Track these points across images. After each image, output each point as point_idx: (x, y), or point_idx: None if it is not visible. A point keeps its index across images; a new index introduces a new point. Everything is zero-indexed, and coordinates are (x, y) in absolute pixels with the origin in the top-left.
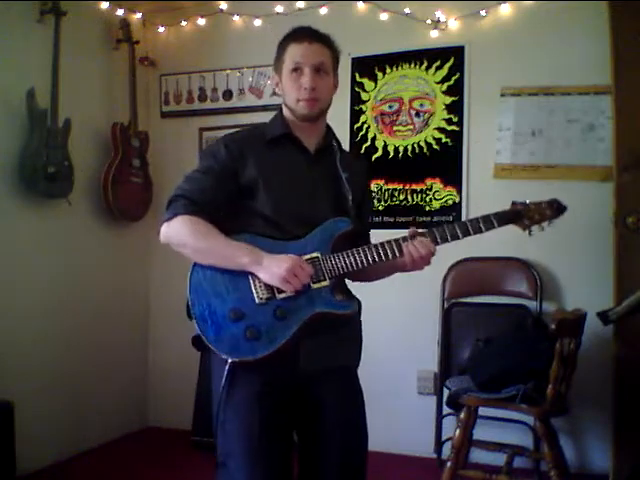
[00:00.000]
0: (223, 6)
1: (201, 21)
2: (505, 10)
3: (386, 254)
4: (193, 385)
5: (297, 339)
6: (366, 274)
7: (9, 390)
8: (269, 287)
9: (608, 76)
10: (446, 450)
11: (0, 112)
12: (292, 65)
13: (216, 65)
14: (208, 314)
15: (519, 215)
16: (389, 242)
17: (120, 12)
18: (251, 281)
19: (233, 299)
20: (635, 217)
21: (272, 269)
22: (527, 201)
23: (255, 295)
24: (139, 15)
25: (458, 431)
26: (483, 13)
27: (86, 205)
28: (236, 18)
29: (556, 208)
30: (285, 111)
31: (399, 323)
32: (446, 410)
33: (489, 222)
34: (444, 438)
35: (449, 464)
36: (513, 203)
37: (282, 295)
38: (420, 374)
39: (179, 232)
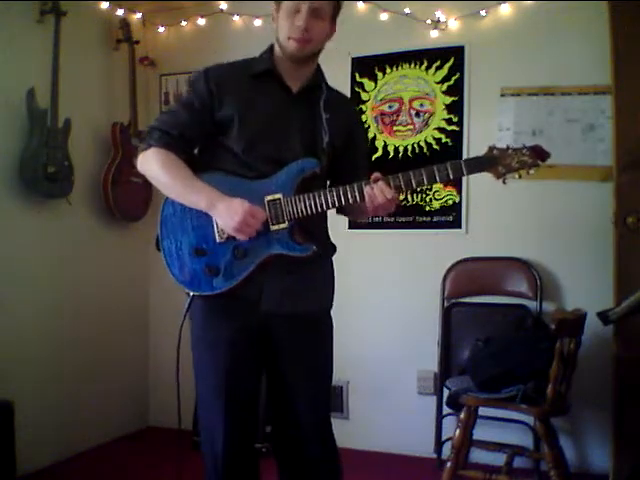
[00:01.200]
0: (223, 6)
1: (201, 21)
2: (505, 10)
3: (347, 198)
4: (193, 385)
5: (257, 280)
6: (344, 213)
7: (9, 390)
8: None
9: (608, 76)
10: (446, 450)
11: (0, 112)
12: (292, 4)
13: None
14: (174, 249)
15: (493, 161)
16: (352, 186)
17: (120, 12)
18: (214, 220)
19: (197, 236)
20: (635, 217)
21: (225, 219)
22: (507, 145)
23: (216, 234)
24: (139, 15)
25: (458, 431)
26: (483, 13)
27: (86, 205)
28: (236, 18)
29: (538, 153)
30: (275, 47)
31: (399, 323)
32: (446, 410)
33: (458, 169)
34: (444, 438)
35: (449, 464)
36: (490, 148)
37: None
38: (420, 374)
39: (150, 164)
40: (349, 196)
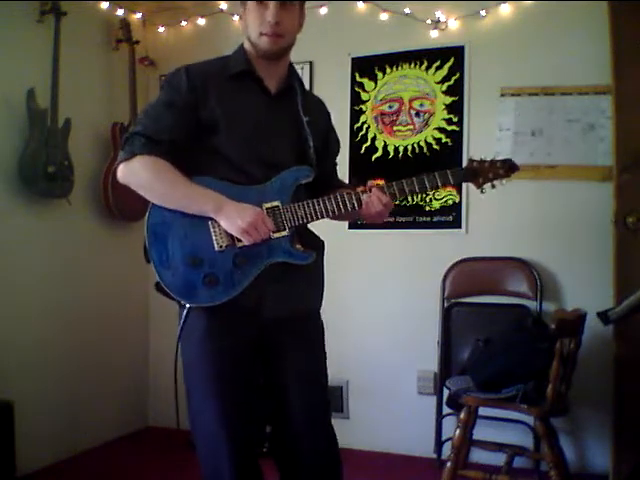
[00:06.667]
0: (223, 6)
1: (201, 21)
2: (505, 10)
3: (345, 206)
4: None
5: (256, 286)
6: (335, 218)
7: (9, 390)
8: (229, 235)
9: (608, 76)
10: (446, 450)
11: (0, 112)
12: None
13: None
14: (166, 258)
15: (475, 173)
16: (349, 194)
17: (120, 12)
18: (211, 227)
19: (192, 244)
20: (635, 217)
21: (234, 219)
22: (482, 157)
23: (215, 242)
24: (139, 15)
25: (458, 431)
26: (483, 13)
27: (86, 205)
28: (236, 18)
29: (509, 167)
30: (247, 46)
31: (399, 323)
32: (446, 410)
33: (445, 178)
34: (444, 438)
35: (449, 464)
36: (470, 161)
37: (241, 243)
38: (420, 374)
39: (138, 174)
40: (347, 204)
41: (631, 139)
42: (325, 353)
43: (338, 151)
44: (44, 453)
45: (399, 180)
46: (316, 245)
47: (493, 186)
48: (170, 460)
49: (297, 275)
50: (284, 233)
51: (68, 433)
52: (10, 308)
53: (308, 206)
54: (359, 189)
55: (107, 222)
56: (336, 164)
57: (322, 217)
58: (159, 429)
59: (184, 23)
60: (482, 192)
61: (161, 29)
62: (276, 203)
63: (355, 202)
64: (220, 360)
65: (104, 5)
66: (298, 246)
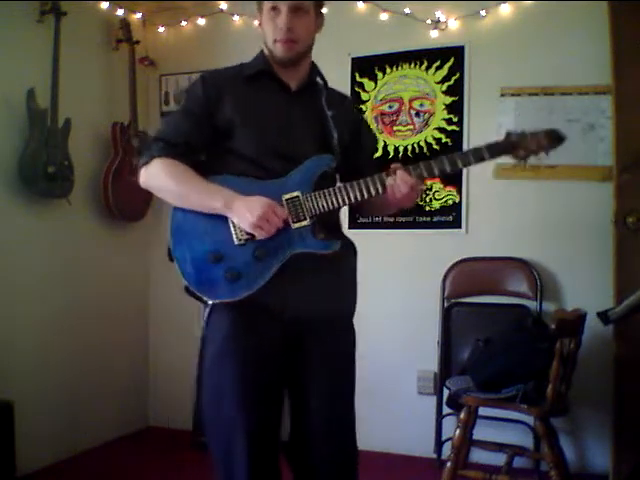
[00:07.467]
0: (223, 6)
1: (201, 21)
2: (505, 10)
3: (369, 192)
4: (193, 385)
5: (280, 285)
6: (365, 209)
7: (9, 390)
8: None
9: (608, 76)
10: (446, 450)
11: (0, 112)
12: (270, 4)
13: (216, 65)
14: (189, 256)
15: (514, 146)
16: (372, 178)
17: (120, 12)
18: (230, 222)
19: (212, 241)
20: (635, 217)
21: (243, 214)
22: (524, 130)
23: (234, 236)
24: (139, 15)
25: (458, 431)
26: (483, 13)
27: (86, 205)
28: (236, 18)
29: (555, 138)
30: (266, 51)
31: (399, 323)
32: (446, 410)
33: (479, 154)
34: (444, 438)
35: (449, 464)
36: (508, 134)
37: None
38: (420, 374)
39: (157, 176)
40: (371, 189)
41: (631, 139)
42: (351, 358)
43: (374, 147)
44: (44, 453)
45: (426, 161)
46: (346, 246)
47: (539, 159)
48: (170, 460)
49: (324, 276)
50: (304, 223)
51: (68, 433)
52: (10, 308)
53: (329, 194)
54: (383, 173)
55: (107, 222)
56: (370, 166)
57: (344, 204)
58: (159, 429)
59: (184, 23)
60: (524, 165)
61: (161, 29)
62: (296, 193)
63: (379, 186)
64: (244, 359)
65: (104, 5)
66: (320, 235)
